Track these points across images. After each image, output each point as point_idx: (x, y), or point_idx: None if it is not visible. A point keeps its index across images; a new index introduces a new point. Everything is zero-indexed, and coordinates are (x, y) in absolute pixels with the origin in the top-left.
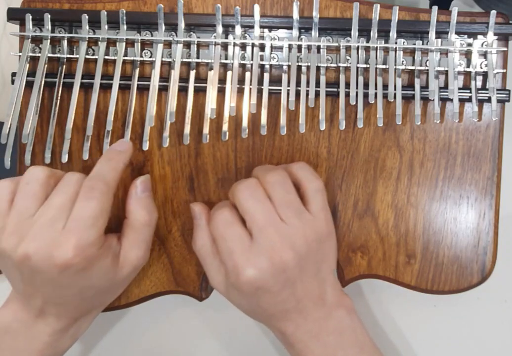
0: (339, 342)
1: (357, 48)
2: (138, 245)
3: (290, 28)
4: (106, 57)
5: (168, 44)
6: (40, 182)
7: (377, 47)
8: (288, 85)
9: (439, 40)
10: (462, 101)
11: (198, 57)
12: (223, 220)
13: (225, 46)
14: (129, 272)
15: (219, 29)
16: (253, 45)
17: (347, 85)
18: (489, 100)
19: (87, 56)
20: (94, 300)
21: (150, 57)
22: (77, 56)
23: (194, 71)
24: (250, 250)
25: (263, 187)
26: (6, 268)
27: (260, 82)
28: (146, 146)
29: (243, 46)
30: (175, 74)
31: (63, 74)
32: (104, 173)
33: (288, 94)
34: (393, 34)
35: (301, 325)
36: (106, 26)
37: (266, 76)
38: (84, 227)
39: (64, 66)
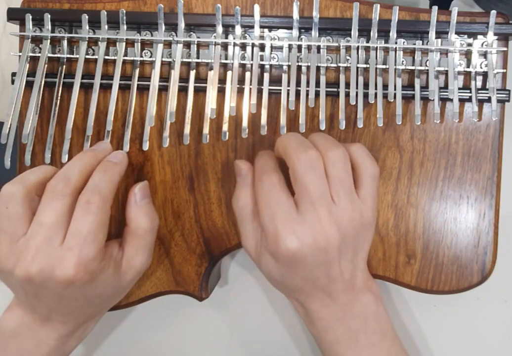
0: (363, 326)
1: (357, 48)
2: (141, 251)
3: (290, 28)
4: (106, 57)
5: (168, 44)
6: (20, 202)
7: (377, 47)
8: (288, 85)
9: (439, 40)
10: (462, 101)
11: (198, 57)
12: (270, 183)
13: (225, 46)
14: (133, 278)
15: (219, 29)
16: (253, 45)
17: (347, 85)
18: (489, 100)
19: (87, 56)
20: (99, 306)
21: (150, 57)
22: (77, 56)
23: (194, 71)
24: (295, 220)
25: (323, 161)
26: (8, 284)
27: (260, 82)
28: (146, 146)
29: (243, 46)
30: (175, 74)
31: (63, 74)
32: (100, 186)
33: (288, 94)
34: (393, 34)
35: (327, 305)
36: (106, 26)
37: (266, 76)
38: (84, 243)
39: (64, 66)
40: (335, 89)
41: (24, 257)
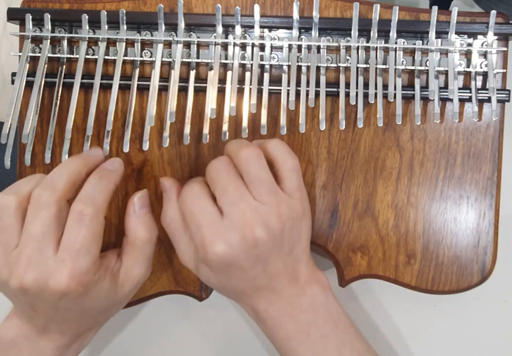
0: (313, 319)
1: (357, 48)
2: (140, 262)
3: (290, 28)
4: (106, 57)
5: (168, 44)
6: (12, 213)
7: (377, 47)
8: (288, 85)
9: (439, 40)
10: (462, 101)
11: (198, 57)
12: (192, 193)
13: (225, 46)
14: (131, 289)
15: (219, 29)
16: (253, 45)
17: (347, 85)
18: (489, 100)
19: (87, 56)
20: (96, 318)
21: (150, 57)
22: (77, 56)
23: (194, 71)
24: (220, 225)
25: (235, 164)
26: (6, 294)
27: (260, 82)
28: (146, 146)
29: (243, 46)
30: (175, 74)
31: (63, 74)
32: (94, 196)
33: (288, 94)
34: (393, 34)
35: (273, 302)
36: (106, 26)
37: (266, 76)
38: (77, 256)
39: (64, 66)
40: (335, 89)
41: (17, 268)
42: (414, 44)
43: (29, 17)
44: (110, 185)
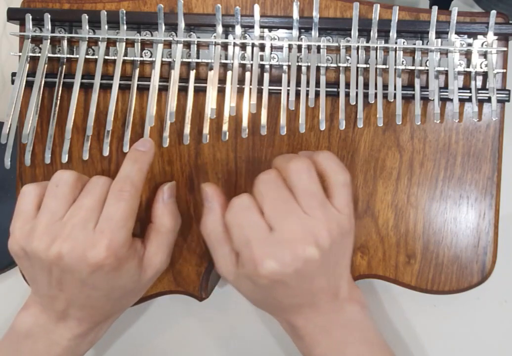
0: (349, 337)
1: (357, 48)
2: (162, 250)
3: (290, 28)
4: (106, 57)
5: (168, 44)
6: (70, 184)
7: (377, 47)
8: (288, 85)
9: (439, 40)
10: (462, 101)
11: (198, 57)
12: (240, 206)
13: (225, 46)
14: (152, 276)
15: (219, 29)
16: (253, 45)
17: (347, 85)
18: (489, 100)
19: (87, 56)
20: (117, 303)
21: (150, 57)
22: (77, 56)
23: (194, 71)
24: (270, 241)
25: (284, 175)
26: (32, 270)
27: (260, 82)
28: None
29: (243, 46)
30: (175, 74)
31: (63, 74)
32: (131, 175)
33: (288, 94)
34: (393, 34)
35: (312, 319)
36: (106, 26)
37: (266, 76)
38: (115, 228)
39: (64, 66)
40: (335, 89)
41: (60, 236)
42: (414, 44)
43: (29, 17)
44: (144, 165)
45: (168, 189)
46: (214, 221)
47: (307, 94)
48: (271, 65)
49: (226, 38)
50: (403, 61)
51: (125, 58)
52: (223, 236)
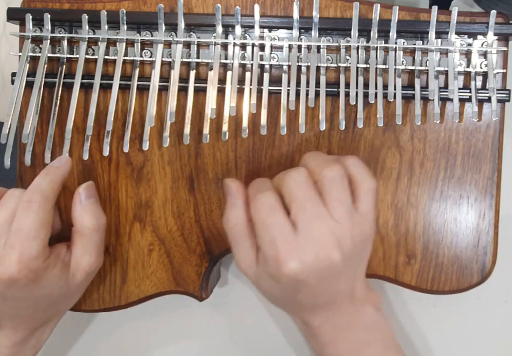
0: (365, 338)
1: (357, 48)
2: (89, 251)
3: (290, 28)
4: (106, 57)
5: (168, 44)
6: None
7: (377, 47)
8: (288, 85)
9: (439, 40)
10: (462, 101)
11: (198, 57)
12: (267, 204)
13: (225, 46)
14: (83, 279)
15: (219, 29)
16: (253, 45)
17: (347, 85)
18: (489, 100)
19: (87, 56)
20: (49, 310)
21: (150, 57)
22: (77, 56)
23: (194, 71)
24: (294, 241)
25: (317, 178)
26: None
27: (260, 82)
28: (146, 146)
29: (243, 46)
30: (175, 74)
31: (63, 74)
32: (41, 186)
33: (288, 94)
34: (393, 34)
35: (329, 319)
36: (106, 26)
37: (266, 76)
38: (25, 240)
39: (64, 66)
40: (335, 89)
41: None
42: (414, 44)
43: (29, 17)
44: (57, 177)
45: (84, 190)
46: (237, 215)
47: (307, 94)
48: (271, 65)
49: (226, 38)
50: (403, 61)
51: (125, 58)
52: (245, 231)
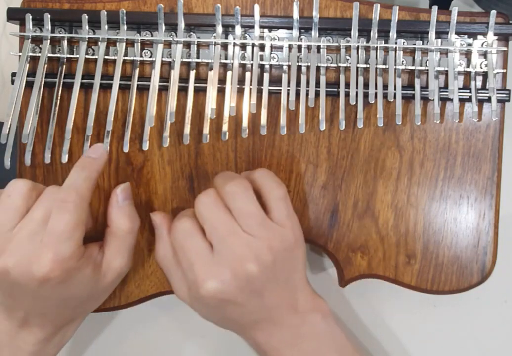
0: (315, 347)
1: (357, 48)
2: (121, 253)
3: (290, 28)
4: (106, 57)
5: (168, 44)
6: (22, 195)
7: (377, 47)
8: (288, 85)
9: (439, 40)
10: (462, 101)
11: (198, 57)
12: (183, 230)
13: (225, 46)
14: (113, 280)
15: (219, 29)
16: (253, 45)
17: (347, 85)
18: (489, 100)
19: (87, 56)
20: (77, 309)
21: (150, 57)
22: (77, 56)
23: (194, 71)
24: (211, 262)
25: (222, 197)
26: None
27: (260, 82)
28: (146, 146)
29: (243, 46)
30: (175, 74)
31: (63, 74)
32: (76, 184)
33: (288, 94)
34: (393, 34)
35: (274, 334)
36: (106, 26)
37: (266, 76)
38: (60, 240)
39: (64, 66)
40: (335, 89)
41: (6, 249)
42: (414, 44)
43: (29, 17)
44: (93, 173)
45: (122, 192)
46: (164, 247)
47: (307, 94)
48: (271, 65)
49: (226, 38)
50: (403, 61)
51: (125, 58)
52: (174, 261)
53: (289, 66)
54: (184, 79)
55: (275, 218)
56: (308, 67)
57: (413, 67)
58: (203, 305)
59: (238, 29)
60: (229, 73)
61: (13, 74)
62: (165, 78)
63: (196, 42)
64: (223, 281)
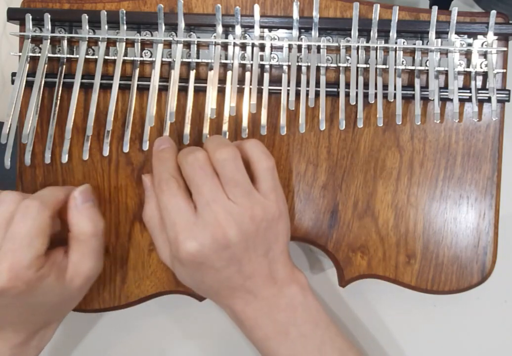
0: (291, 318)
1: (357, 48)
2: (87, 257)
3: (290, 28)
4: (106, 57)
5: (168, 44)
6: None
7: (377, 47)
8: (288, 85)
9: (439, 40)
10: (462, 101)
11: (198, 57)
12: (167, 191)
13: (225, 46)
14: (82, 284)
15: (219, 29)
16: (253, 45)
17: (347, 85)
18: (489, 100)
19: (87, 56)
20: (49, 313)
21: (150, 57)
22: (77, 56)
23: (194, 71)
24: (193, 223)
25: (211, 162)
26: None
27: (260, 82)
28: (146, 146)
29: (243, 46)
30: (175, 74)
31: (63, 74)
32: (44, 194)
33: (288, 94)
34: (393, 34)
35: (250, 303)
36: (106, 26)
37: (266, 76)
38: (19, 248)
39: (64, 66)
40: (335, 89)
41: None
42: (414, 44)
43: (29, 17)
44: (63, 189)
45: (80, 194)
46: (151, 208)
47: (307, 94)
48: (271, 65)
49: (226, 38)
50: (403, 61)
51: (125, 58)
52: (159, 223)
53: (289, 66)
54: (184, 79)
55: (261, 189)
56: (308, 67)
57: (413, 67)
58: (181, 265)
59: (238, 29)
60: (229, 73)
61: (13, 74)
62: (165, 78)
63: (196, 42)
64: (202, 243)
